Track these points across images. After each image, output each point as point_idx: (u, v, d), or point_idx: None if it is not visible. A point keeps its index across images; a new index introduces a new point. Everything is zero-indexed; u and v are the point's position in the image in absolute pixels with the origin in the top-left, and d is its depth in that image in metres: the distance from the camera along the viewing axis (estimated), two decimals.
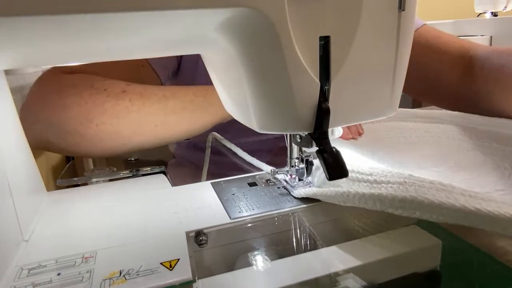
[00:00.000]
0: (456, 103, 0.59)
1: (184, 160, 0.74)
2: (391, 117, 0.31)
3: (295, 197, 0.39)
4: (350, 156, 0.42)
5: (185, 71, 0.67)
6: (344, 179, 0.35)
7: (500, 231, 0.26)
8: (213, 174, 0.48)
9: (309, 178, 0.40)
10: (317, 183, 0.39)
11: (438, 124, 0.53)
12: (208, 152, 0.61)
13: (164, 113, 0.47)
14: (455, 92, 0.61)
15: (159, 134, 0.50)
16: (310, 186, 0.40)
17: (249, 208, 0.38)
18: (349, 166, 0.35)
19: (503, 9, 1.50)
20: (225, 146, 0.59)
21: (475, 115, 0.54)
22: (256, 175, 0.46)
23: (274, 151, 0.61)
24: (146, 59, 0.58)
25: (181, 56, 0.65)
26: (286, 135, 0.40)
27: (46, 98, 0.49)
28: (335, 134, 0.35)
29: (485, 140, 0.48)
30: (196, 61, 0.64)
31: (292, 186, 0.40)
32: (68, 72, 0.52)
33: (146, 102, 0.47)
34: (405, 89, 0.31)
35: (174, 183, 0.45)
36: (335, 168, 0.29)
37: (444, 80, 0.62)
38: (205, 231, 0.34)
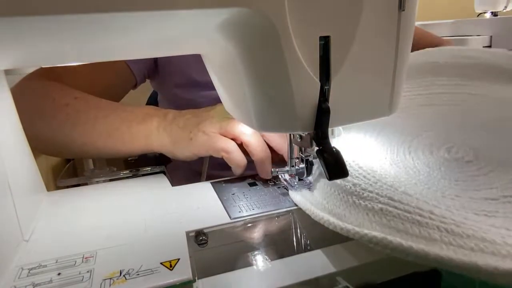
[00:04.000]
0: None
1: (180, 163, 0.74)
2: None
3: None
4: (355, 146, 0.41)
5: (161, 69, 0.70)
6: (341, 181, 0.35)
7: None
8: (212, 177, 0.48)
9: (309, 178, 0.40)
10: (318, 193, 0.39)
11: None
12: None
13: (90, 135, 0.50)
14: None
15: (88, 152, 0.52)
16: (309, 187, 0.39)
17: (249, 208, 0.38)
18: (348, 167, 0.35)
19: (503, 9, 1.50)
20: None
21: None
22: (256, 175, 0.46)
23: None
24: None
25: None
26: (286, 135, 0.40)
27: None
28: (335, 134, 0.35)
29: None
30: (168, 59, 0.67)
31: (292, 186, 0.40)
32: (44, 76, 0.55)
33: (79, 121, 0.50)
34: None
35: (180, 180, 0.46)
36: (335, 168, 0.29)
37: None
38: (205, 231, 0.34)
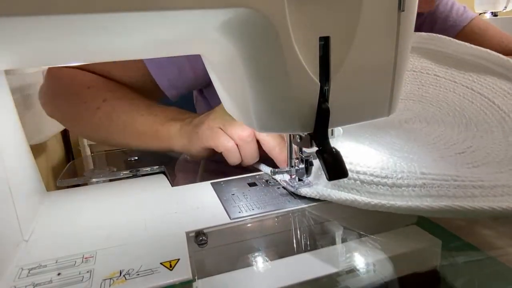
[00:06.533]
0: None
1: (180, 164, 0.74)
2: None
3: (294, 198, 0.39)
4: (351, 148, 0.42)
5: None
6: (358, 182, 0.35)
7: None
8: (213, 172, 0.49)
9: (309, 178, 0.40)
10: (324, 183, 0.39)
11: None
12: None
13: (123, 137, 0.57)
14: None
15: (123, 146, 0.61)
16: (310, 186, 0.39)
17: (249, 208, 0.38)
18: (358, 166, 0.36)
19: (503, 9, 1.50)
20: None
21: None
22: (256, 175, 0.46)
23: None
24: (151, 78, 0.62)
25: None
26: (286, 135, 0.40)
27: (45, 95, 0.62)
28: (335, 134, 0.35)
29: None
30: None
31: (292, 186, 0.40)
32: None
33: (111, 125, 0.57)
34: None
35: (180, 180, 0.46)
36: (335, 168, 0.29)
37: None
38: (205, 231, 0.34)
